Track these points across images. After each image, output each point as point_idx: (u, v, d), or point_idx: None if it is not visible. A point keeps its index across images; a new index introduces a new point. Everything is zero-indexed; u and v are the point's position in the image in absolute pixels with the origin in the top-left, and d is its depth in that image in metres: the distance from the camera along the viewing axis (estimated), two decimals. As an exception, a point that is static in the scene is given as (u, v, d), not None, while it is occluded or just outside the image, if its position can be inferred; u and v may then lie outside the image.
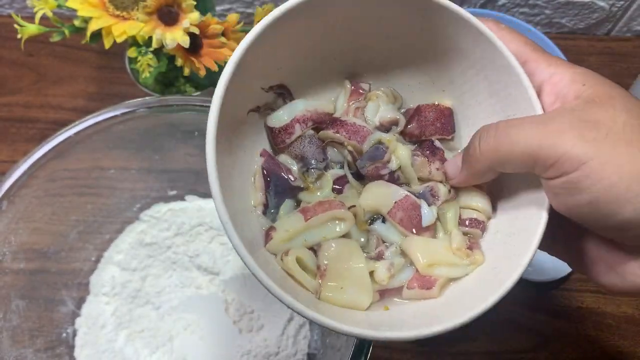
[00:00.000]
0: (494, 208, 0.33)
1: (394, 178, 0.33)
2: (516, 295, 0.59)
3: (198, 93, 0.60)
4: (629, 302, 0.61)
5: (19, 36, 0.53)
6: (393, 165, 0.33)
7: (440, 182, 0.33)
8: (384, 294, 0.32)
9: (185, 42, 0.49)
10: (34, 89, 0.72)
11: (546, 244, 0.31)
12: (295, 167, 0.33)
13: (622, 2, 0.73)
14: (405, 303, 0.32)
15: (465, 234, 0.33)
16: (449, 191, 0.33)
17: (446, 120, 0.34)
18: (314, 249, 0.31)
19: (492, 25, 0.31)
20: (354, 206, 0.32)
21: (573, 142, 0.25)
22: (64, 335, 0.54)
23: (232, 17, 0.53)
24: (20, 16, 0.53)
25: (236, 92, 0.29)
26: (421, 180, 0.34)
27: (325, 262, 0.30)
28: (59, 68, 0.73)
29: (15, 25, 0.53)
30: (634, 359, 0.59)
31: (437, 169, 0.33)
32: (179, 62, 0.51)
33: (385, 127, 0.34)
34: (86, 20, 0.51)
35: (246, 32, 0.55)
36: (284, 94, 0.33)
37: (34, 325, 0.52)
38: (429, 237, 0.32)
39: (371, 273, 0.31)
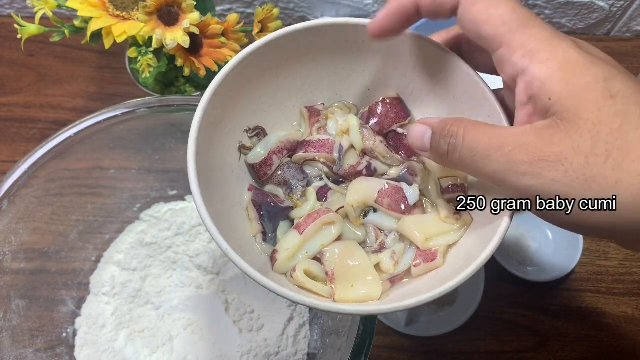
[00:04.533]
0: None
1: (371, 171, 0.36)
2: (516, 295, 0.60)
3: (198, 93, 0.60)
4: (629, 302, 0.61)
5: (19, 36, 0.53)
6: (345, 143, 0.36)
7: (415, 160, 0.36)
8: (394, 280, 0.33)
9: (186, 42, 0.49)
10: (34, 89, 0.72)
11: None
12: (281, 192, 0.36)
13: (621, 2, 0.73)
14: (416, 280, 0.33)
15: (450, 200, 0.34)
16: (424, 166, 0.36)
17: (398, 108, 0.37)
18: (317, 259, 0.33)
19: (453, 31, 0.33)
20: (342, 207, 0.34)
21: (532, 182, 0.26)
22: (64, 335, 0.54)
23: (232, 17, 0.53)
24: (20, 16, 0.53)
25: (210, 145, 0.33)
26: (397, 164, 0.37)
27: (332, 267, 0.32)
28: (59, 68, 0.73)
29: (16, 26, 0.53)
30: (634, 359, 0.59)
31: (405, 153, 0.36)
32: (179, 62, 0.51)
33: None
34: (86, 21, 0.51)
35: (246, 32, 0.55)
36: (260, 132, 0.37)
37: (34, 325, 0.52)
38: (420, 214, 0.34)
39: (378, 265, 0.33)
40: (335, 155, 0.36)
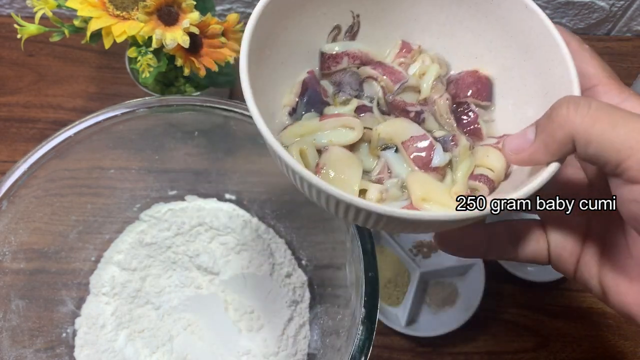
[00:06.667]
0: (506, 175, 0.33)
1: (418, 120, 0.34)
2: (516, 295, 0.60)
3: (198, 93, 0.60)
4: (629, 302, 0.61)
5: (19, 36, 0.53)
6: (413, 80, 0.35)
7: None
8: None
9: (185, 42, 0.49)
10: (34, 89, 0.72)
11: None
12: (331, 90, 0.36)
13: (622, 2, 0.73)
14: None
15: (472, 187, 0.33)
16: (470, 146, 0.34)
17: (482, 87, 0.35)
18: (320, 152, 0.33)
19: (575, 45, 0.31)
20: (369, 128, 0.33)
21: None
22: (64, 335, 0.54)
23: (232, 17, 0.53)
24: (20, 16, 0.53)
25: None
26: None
27: (325, 163, 0.32)
28: (59, 68, 0.73)
29: (15, 25, 0.53)
30: (635, 359, 0.59)
31: (465, 131, 0.35)
32: (179, 62, 0.51)
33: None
34: (86, 20, 0.51)
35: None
36: (354, 29, 0.36)
37: (34, 325, 0.52)
38: (434, 178, 0.32)
39: (363, 191, 0.32)
40: (396, 87, 0.35)
